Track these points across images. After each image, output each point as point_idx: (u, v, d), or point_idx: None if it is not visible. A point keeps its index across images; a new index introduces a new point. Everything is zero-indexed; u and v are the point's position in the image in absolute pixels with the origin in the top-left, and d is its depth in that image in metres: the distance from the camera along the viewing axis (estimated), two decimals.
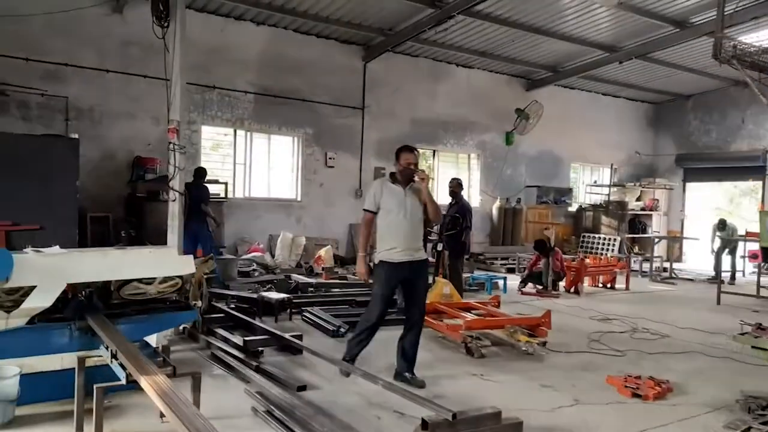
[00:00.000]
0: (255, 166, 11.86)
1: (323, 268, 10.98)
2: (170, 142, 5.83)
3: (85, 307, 4.43)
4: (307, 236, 11.88)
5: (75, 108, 9.73)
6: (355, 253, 12.90)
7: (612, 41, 12.66)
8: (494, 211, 14.99)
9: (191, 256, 4.88)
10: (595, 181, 17.30)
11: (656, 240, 13.92)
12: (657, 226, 17.43)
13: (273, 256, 11.37)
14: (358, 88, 12.75)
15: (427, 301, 7.03)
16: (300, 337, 5.91)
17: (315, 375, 5.14)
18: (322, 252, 11.41)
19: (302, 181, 12.33)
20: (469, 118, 14.48)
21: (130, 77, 10.14)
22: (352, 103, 12.68)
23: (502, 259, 13.66)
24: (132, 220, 9.37)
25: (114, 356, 3.40)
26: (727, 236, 12.45)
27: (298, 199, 12.36)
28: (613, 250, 14.46)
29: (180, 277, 4.82)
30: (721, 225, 12.66)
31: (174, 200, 5.95)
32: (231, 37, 11.05)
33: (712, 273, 12.61)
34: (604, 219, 15.61)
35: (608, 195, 16.27)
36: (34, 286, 4.08)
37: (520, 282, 10.64)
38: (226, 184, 10.72)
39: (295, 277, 9.98)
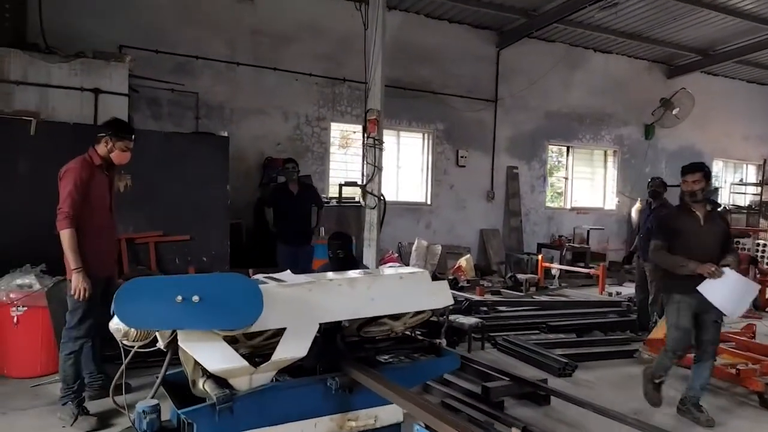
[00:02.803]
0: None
1: (468, 281, 9.75)
2: (369, 137, 4.72)
3: (326, 353, 3.33)
4: (436, 243, 10.68)
5: (205, 104, 8.87)
6: (489, 263, 11.81)
7: None
8: (633, 215, 13.31)
9: (446, 282, 3.69)
10: (741, 180, 15.34)
11: None
12: None
13: (407, 266, 10.21)
14: (490, 79, 11.45)
15: (664, 334, 5.73)
16: (545, 381, 4.67)
17: None
18: (462, 262, 10.18)
19: (432, 182, 11.13)
20: (605, 110, 12.93)
21: (260, 70, 9.20)
22: (484, 95, 11.39)
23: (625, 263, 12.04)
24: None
25: None
26: None
27: (428, 202, 11.17)
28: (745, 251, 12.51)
29: (432, 309, 3.67)
30: None
31: (374, 207, 4.80)
32: (360, 24, 9.92)
33: None
34: (763, 222, 13.66)
35: (761, 195, 14.30)
36: (283, 329, 2.99)
37: None
38: (363, 186, 9.59)
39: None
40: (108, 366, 4.54)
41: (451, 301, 3.63)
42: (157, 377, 3.10)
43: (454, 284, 9.59)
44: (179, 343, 2.78)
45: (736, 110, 14.68)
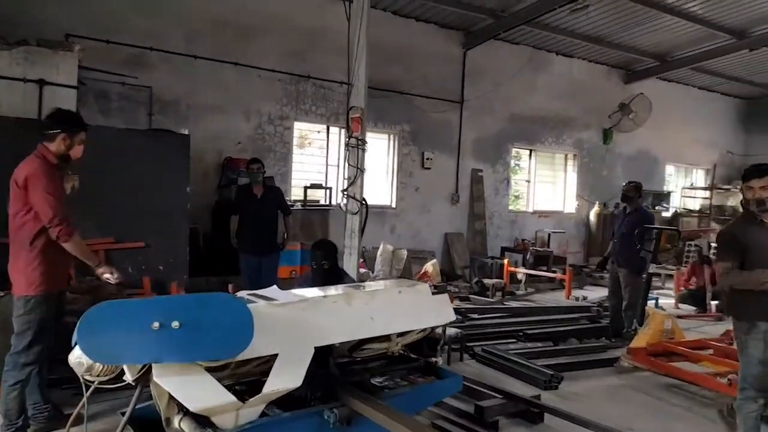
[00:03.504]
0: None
1: (435, 286, 9.49)
2: (351, 136, 4.35)
3: (319, 379, 2.97)
4: (402, 248, 10.40)
5: (159, 100, 8.26)
6: (453, 268, 11.62)
7: (744, 25, 11.15)
8: (591, 218, 13.49)
9: (447, 296, 3.39)
10: (692, 184, 15.80)
11: None
12: None
13: (372, 271, 9.89)
14: (456, 80, 11.27)
15: (650, 340, 5.64)
16: (538, 397, 4.44)
17: None
18: (428, 267, 9.91)
19: (397, 185, 10.85)
20: (567, 114, 12.98)
21: (220, 65, 8.66)
22: (450, 97, 11.20)
23: (599, 268, 12.19)
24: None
25: None
26: None
27: (393, 205, 10.87)
28: None
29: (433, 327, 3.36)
30: None
31: (356, 212, 4.45)
32: (328, 19, 9.53)
33: None
34: (714, 225, 14.10)
35: (710, 199, 14.77)
36: (275, 356, 2.61)
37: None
38: (330, 189, 9.23)
39: None
40: (53, 392, 4.01)
41: (454, 317, 3.35)
42: (124, 413, 2.66)
43: None
44: (154, 378, 2.36)
45: (687, 116, 15.09)
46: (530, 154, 12.93)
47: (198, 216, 8.34)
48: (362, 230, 4.87)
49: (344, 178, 4.64)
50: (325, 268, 3.92)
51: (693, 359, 5.15)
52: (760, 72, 14.00)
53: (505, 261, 10.47)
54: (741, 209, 3.62)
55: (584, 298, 9.38)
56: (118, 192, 5.90)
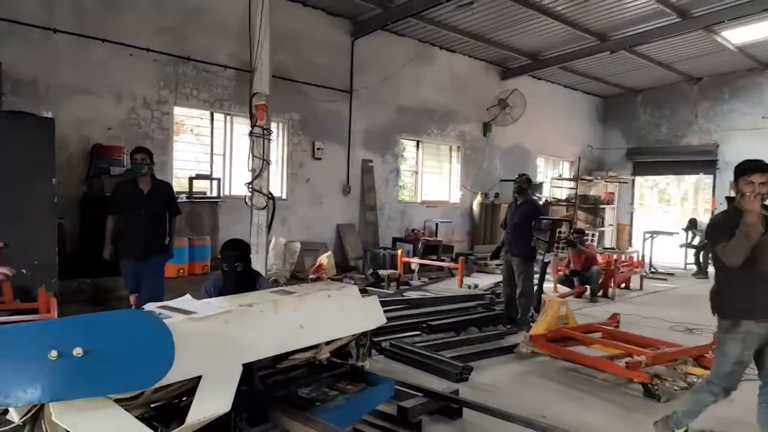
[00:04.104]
0: (235, 157, 9.73)
1: (330, 279, 9.28)
2: (256, 125, 3.99)
3: (244, 397, 2.63)
4: (294, 240, 10.06)
5: (11, 78, 7.12)
6: (346, 259, 11.43)
7: (604, 29, 12.12)
8: (475, 207, 14.03)
9: (376, 298, 3.19)
10: (560, 175, 17.02)
11: (651, 235, 13.73)
12: (610, 218, 17.60)
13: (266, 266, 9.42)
14: (345, 69, 11.06)
15: (548, 327, 5.86)
16: (456, 392, 4.40)
17: None
18: (323, 259, 9.69)
19: (288, 175, 10.43)
20: (450, 107, 13.33)
21: (84, 40, 7.68)
22: (340, 86, 10.98)
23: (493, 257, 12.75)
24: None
25: None
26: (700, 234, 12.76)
27: (284, 197, 10.43)
28: (592, 243, 14.10)
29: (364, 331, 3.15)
30: (691, 224, 13.15)
31: (263, 207, 4.10)
32: None
33: (680, 266, 13.83)
34: (580, 213, 15.30)
35: (576, 189, 16.00)
36: (198, 378, 2.24)
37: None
38: (219, 180, 8.59)
39: None
40: None
41: (384, 320, 3.15)
42: None
43: None
44: (52, 417, 1.90)
45: (555, 112, 16.19)
46: (417, 146, 13.10)
47: (63, 210, 7.38)
48: (269, 226, 4.49)
49: (249, 170, 4.20)
50: (238, 271, 3.53)
51: (587, 343, 5.43)
52: (617, 73, 15.42)
53: (399, 251, 10.51)
54: (727, 203, 3.62)
55: (476, 286, 9.66)
56: None
